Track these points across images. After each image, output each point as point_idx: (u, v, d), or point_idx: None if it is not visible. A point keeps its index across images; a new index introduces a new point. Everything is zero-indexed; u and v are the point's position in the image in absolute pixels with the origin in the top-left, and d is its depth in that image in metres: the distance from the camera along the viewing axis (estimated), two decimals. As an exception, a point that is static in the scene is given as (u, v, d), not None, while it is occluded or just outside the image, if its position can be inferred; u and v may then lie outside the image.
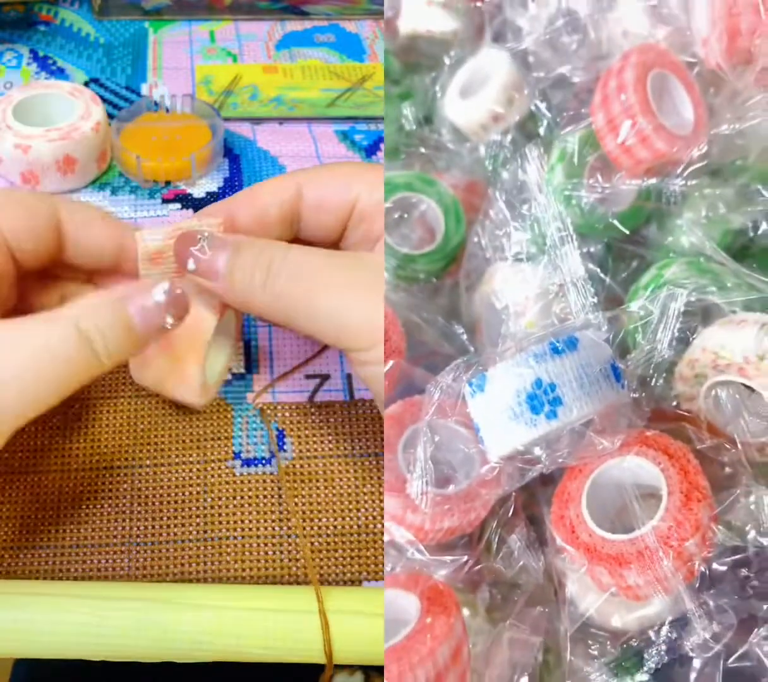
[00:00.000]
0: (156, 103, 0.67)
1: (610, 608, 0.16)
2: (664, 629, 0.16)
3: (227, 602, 0.43)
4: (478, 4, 0.28)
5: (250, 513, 0.49)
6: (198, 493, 0.50)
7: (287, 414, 0.53)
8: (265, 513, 0.49)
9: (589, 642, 0.17)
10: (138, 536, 0.48)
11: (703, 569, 0.16)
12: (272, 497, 0.50)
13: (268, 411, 0.53)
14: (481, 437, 0.18)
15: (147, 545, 0.48)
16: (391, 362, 0.22)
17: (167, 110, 0.67)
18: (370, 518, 0.49)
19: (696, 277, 0.18)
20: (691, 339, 0.18)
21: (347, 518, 0.49)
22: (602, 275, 0.20)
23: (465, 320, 0.22)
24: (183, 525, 0.48)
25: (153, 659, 0.44)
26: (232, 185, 0.65)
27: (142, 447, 0.51)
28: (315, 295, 0.41)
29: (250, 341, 0.56)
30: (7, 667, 0.75)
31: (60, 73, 0.75)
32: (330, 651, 0.42)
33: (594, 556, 0.17)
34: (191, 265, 0.43)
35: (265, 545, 0.48)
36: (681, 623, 0.16)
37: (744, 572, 0.17)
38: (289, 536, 0.48)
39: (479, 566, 0.19)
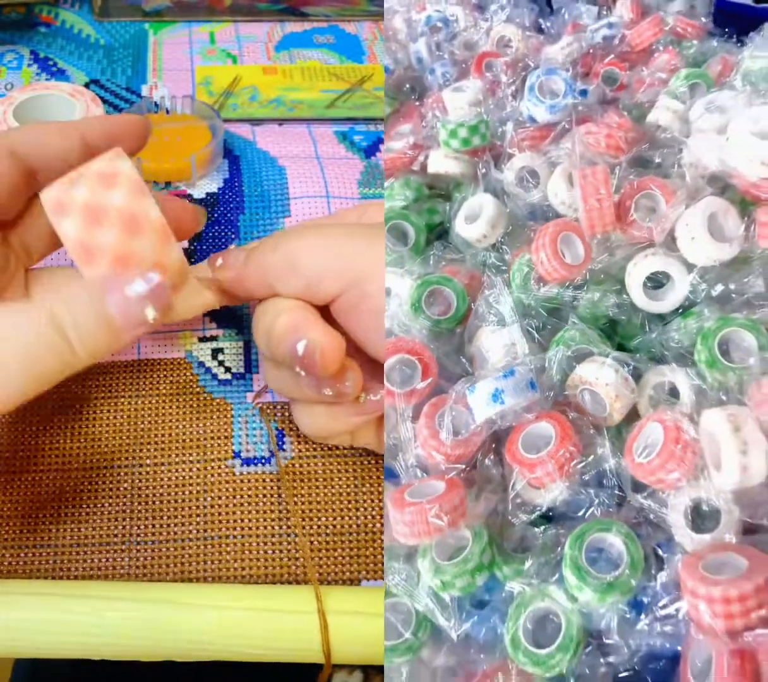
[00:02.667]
0: (156, 105, 0.67)
1: (530, 491, 0.31)
2: (560, 501, 0.31)
3: (227, 602, 0.44)
4: (475, 159, 0.41)
5: (249, 512, 0.49)
6: (198, 492, 0.50)
7: (287, 414, 0.53)
8: (265, 512, 0.49)
9: (521, 508, 0.31)
10: (138, 535, 0.48)
11: (572, 471, 0.31)
12: (272, 496, 0.50)
13: (268, 411, 0.53)
14: (472, 413, 0.32)
15: (147, 544, 0.48)
16: (429, 379, 0.34)
17: (167, 111, 0.67)
18: (370, 517, 0.49)
19: (580, 338, 0.33)
20: (574, 368, 0.33)
21: (346, 518, 0.49)
22: (537, 337, 0.34)
23: (468, 357, 0.35)
24: (183, 524, 0.49)
25: (153, 658, 0.44)
26: (232, 186, 0.65)
27: (143, 446, 0.51)
28: (321, 240, 0.42)
29: (250, 341, 0.56)
30: (8, 667, 0.75)
31: (60, 75, 0.75)
32: (328, 651, 0.42)
33: (523, 465, 0.32)
34: (219, 261, 0.45)
35: (265, 544, 0.48)
36: (567, 498, 0.31)
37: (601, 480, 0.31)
38: (288, 535, 0.49)
39: (472, 472, 0.32)
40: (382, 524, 0.49)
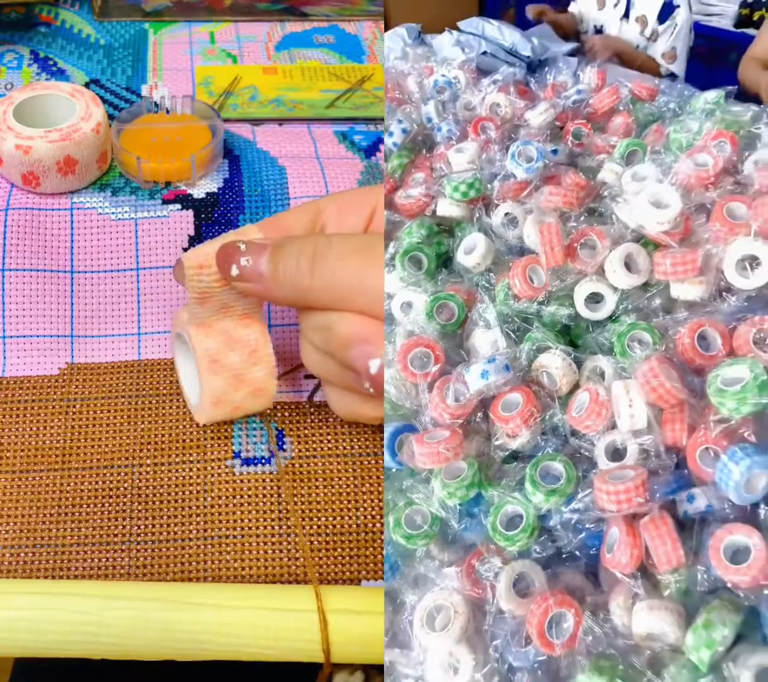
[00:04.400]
0: (156, 104, 0.67)
1: (505, 438, 0.40)
2: (525, 444, 0.41)
3: (226, 602, 0.44)
4: (471, 206, 0.51)
5: (249, 512, 0.49)
6: (198, 492, 0.50)
7: (287, 414, 0.53)
8: (265, 512, 0.49)
9: (499, 448, 0.41)
10: (138, 534, 0.48)
11: (534, 425, 0.41)
12: (272, 496, 0.50)
13: (268, 411, 0.53)
14: (468, 386, 0.41)
15: (147, 544, 0.48)
16: (439, 364, 0.43)
17: (167, 111, 0.67)
18: (369, 517, 0.49)
19: (542, 337, 0.43)
20: (537, 357, 0.43)
21: (346, 517, 0.49)
22: (513, 336, 0.44)
23: (465, 350, 0.45)
24: (183, 524, 0.49)
25: (153, 657, 0.44)
26: (232, 186, 0.65)
27: (143, 446, 0.51)
28: (368, 270, 0.42)
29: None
30: (8, 666, 0.75)
31: (60, 75, 0.75)
32: (328, 650, 0.42)
33: (501, 421, 0.41)
34: (234, 270, 0.44)
35: (265, 543, 0.48)
36: (529, 442, 0.41)
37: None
38: (288, 535, 0.49)
39: (467, 425, 0.41)
40: (382, 524, 0.49)
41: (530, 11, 1.02)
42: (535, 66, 0.71)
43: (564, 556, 0.37)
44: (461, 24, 0.75)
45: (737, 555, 0.31)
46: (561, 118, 0.55)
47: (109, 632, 0.43)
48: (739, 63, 1.11)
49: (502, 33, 0.73)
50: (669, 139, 0.50)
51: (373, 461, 0.51)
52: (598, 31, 1.13)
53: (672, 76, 1.06)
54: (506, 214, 0.47)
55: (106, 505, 0.49)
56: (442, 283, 0.46)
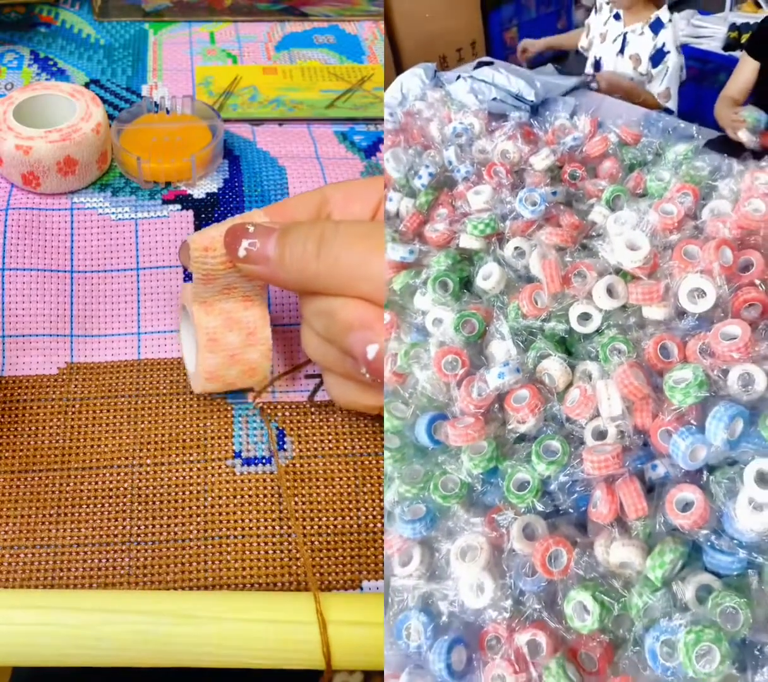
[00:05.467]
0: (156, 105, 0.67)
1: (516, 423, 0.49)
2: (532, 428, 0.49)
3: (227, 614, 0.43)
4: (487, 240, 0.61)
5: (250, 512, 0.49)
6: (198, 492, 0.50)
7: (287, 413, 0.53)
8: (266, 512, 0.49)
9: (511, 432, 0.50)
10: (138, 535, 0.48)
11: (538, 413, 0.49)
12: (272, 496, 0.50)
13: (269, 410, 0.53)
14: (488, 384, 0.49)
15: (147, 544, 0.48)
16: (465, 368, 0.51)
17: (167, 111, 0.67)
18: (370, 517, 0.49)
19: (544, 347, 0.52)
20: (540, 362, 0.52)
21: (347, 518, 0.49)
22: (521, 346, 0.53)
23: (485, 356, 0.54)
24: (183, 524, 0.48)
25: (153, 666, 0.43)
26: (232, 186, 0.65)
27: (143, 446, 0.51)
28: (369, 259, 0.43)
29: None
30: (9, 667, 0.75)
31: (61, 75, 0.75)
32: (329, 659, 0.42)
33: (513, 410, 0.50)
34: (242, 252, 0.45)
35: (265, 544, 0.48)
36: (534, 426, 0.50)
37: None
38: (289, 535, 0.48)
39: (487, 413, 0.49)
40: (382, 524, 0.49)
41: (519, 56, 1.17)
42: (538, 106, 0.86)
43: (560, 511, 0.47)
44: (474, 73, 0.90)
45: (685, 507, 0.43)
46: (560, 160, 0.67)
47: (109, 645, 0.42)
48: (726, 83, 1.20)
49: (509, 80, 0.87)
50: (646, 185, 0.62)
51: (373, 461, 0.51)
52: (597, 62, 1.25)
53: (668, 112, 1.18)
54: (516, 248, 0.57)
55: (106, 505, 0.49)
56: (465, 303, 0.54)
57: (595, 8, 1.24)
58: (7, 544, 0.47)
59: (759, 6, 1.75)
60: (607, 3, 1.19)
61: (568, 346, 0.53)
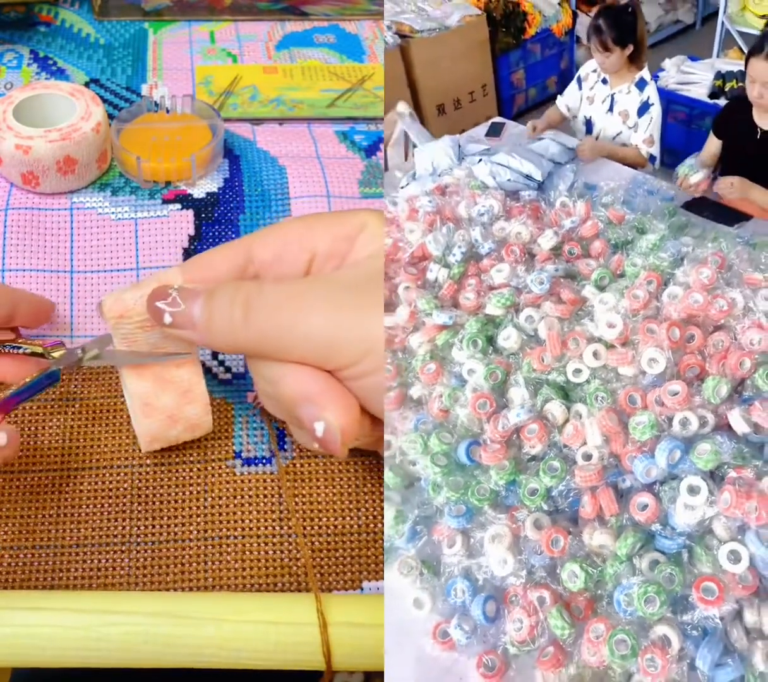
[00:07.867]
0: (156, 104, 0.67)
1: (530, 449, 0.63)
2: (541, 453, 0.63)
3: (228, 615, 0.43)
4: (507, 309, 0.73)
5: (250, 512, 0.49)
6: (198, 492, 0.50)
7: (287, 414, 0.53)
8: (266, 512, 0.49)
9: (523, 453, 0.63)
10: (138, 535, 0.48)
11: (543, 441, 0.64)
12: (273, 496, 0.50)
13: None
14: (508, 420, 0.63)
15: (147, 545, 0.48)
16: (493, 408, 0.66)
17: (167, 111, 0.67)
18: (371, 517, 0.49)
19: (547, 393, 0.66)
20: (545, 404, 0.66)
21: (347, 518, 0.49)
22: (531, 390, 0.66)
23: (507, 399, 0.67)
24: (183, 524, 0.48)
25: (154, 667, 0.43)
26: (232, 186, 0.65)
27: (143, 447, 0.51)
28: (300, 320, 0.41)
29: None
30: (9, 668, 0.75)
31: (60, 74, 0.75)
32: (329, 661, 0.42)
33: (525, 437, 0.64)
34: (167, 318, 0.43)
35: (266, 544, 0.48)
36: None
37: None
38: (289, 536, 0.48)
39: (510, 441, 0.64)
40: (383, 525, 0.49)
41: (529, 134, 1.31)
42: (544, 180, 1.10)
43: (559, 510, 0.60)
44: (493, 158, 1.10)
45: (643, 508, 0.57)
46: (562, 237, 0.84)
47: (109, 646, 0.42)
48: (711, 128, 1.33)
49: (521, 164, 1.09)
50: (624, 267, 0.78)
51: (374, 462, 0.51)
52: (588, 121, 1.41)
53: (651, 158, 1.35)
54: (528, 316, 0.71)
55: (106, 505, 0.49)
56: (491, 358, 0.68)
57: (579, 79, 1.41)
58: (6, 544, 0.47)
59: (744, 52, 1.84)
60: (594, 71, 1.37)
61: (565, 393, 0.67)
